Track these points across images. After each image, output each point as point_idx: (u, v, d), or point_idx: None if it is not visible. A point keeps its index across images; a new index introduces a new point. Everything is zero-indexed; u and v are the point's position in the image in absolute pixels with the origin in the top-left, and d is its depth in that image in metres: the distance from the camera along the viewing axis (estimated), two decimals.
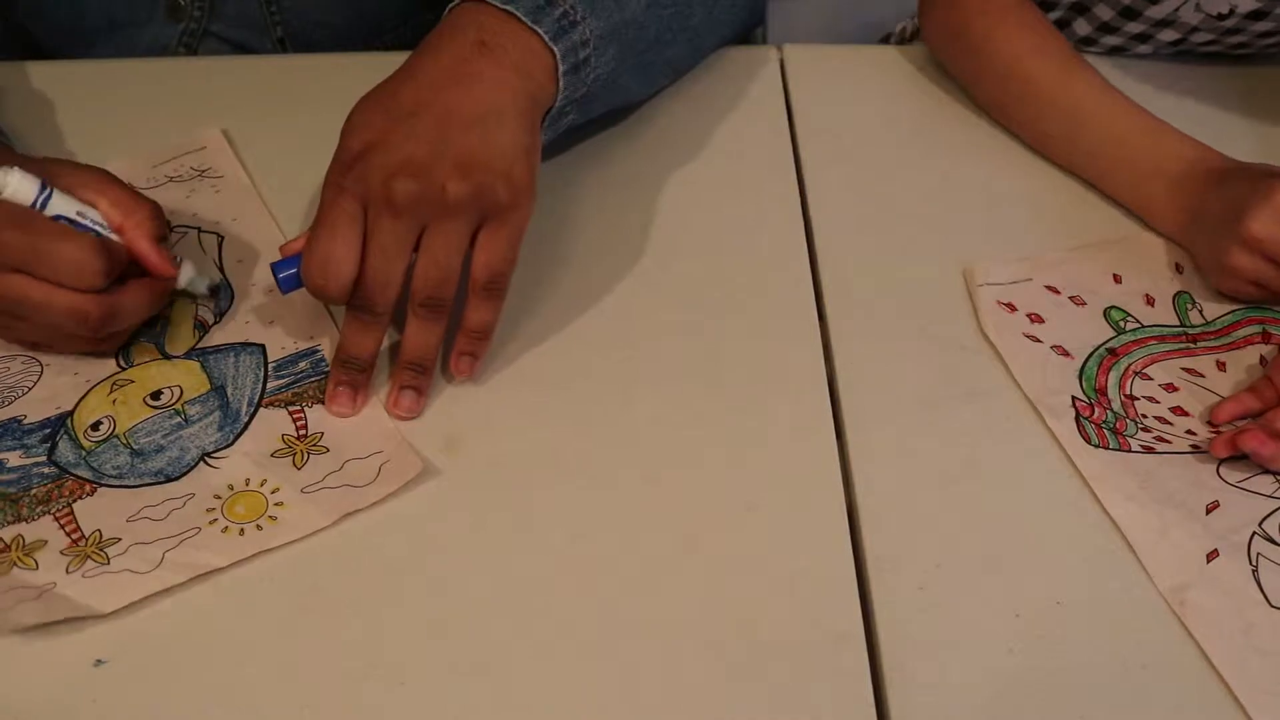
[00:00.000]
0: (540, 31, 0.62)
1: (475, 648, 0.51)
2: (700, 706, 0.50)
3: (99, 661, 0.50)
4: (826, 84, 0.83)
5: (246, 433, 0.59)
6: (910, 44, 1.03)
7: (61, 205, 0.58)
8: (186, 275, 0.62)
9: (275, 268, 0.59)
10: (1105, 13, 0.79)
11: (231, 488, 0.56)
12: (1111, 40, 0.81)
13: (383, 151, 0.56)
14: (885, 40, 1.05)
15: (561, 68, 0.63)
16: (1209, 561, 0.55)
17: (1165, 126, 0.71)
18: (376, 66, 0.62)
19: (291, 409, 0.60)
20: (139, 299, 0.60)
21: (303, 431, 0.59)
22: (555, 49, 0.62)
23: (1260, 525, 0.57)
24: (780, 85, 0.82)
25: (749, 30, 0.88)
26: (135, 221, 0.59)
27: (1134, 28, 0.79)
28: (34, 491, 0.56)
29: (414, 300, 0.58)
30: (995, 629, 0.52)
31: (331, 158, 0.58)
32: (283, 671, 0.50)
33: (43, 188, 0.57)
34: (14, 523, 0.54)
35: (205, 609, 0.52)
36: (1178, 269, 0.70)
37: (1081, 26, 0.81)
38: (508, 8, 0.62)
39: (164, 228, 0.61)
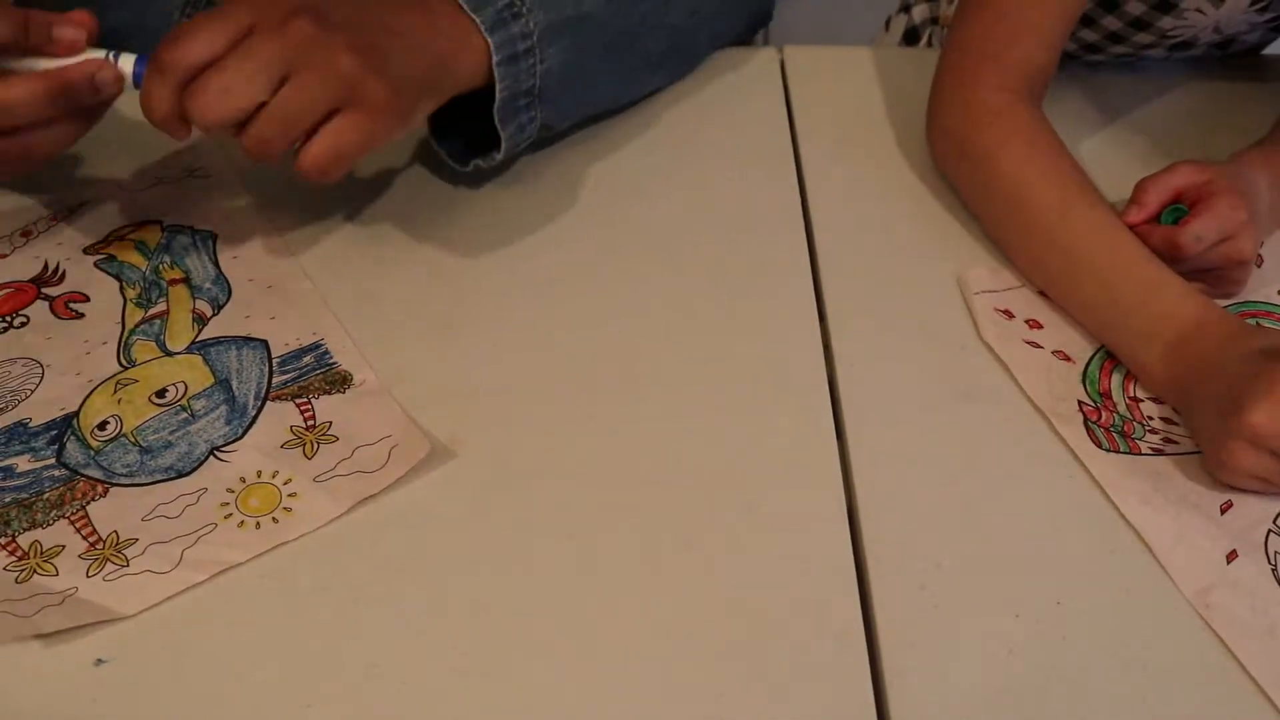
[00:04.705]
0: (477, 20, 0.64)
1: (474, 647, 0.51)
2: (700, 705, 0.50)
3: (99, 661, 0.50)
4: (826, 84, 0.83)
5: (255, 426, 0.59)
6: (905, 44, 1.03)
7: None
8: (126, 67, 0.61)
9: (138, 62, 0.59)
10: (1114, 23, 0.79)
11: (244, 480, 0.56)
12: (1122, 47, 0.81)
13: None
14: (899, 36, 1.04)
15: (496, 57, 0.64)
16: (1229, 563, 0.55)
17: (1165, 278, 0.63)
18: None
19: (298, 401, 0.60)
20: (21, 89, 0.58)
21: (311, 422, 0.59)
22: (490, 39, 0.64)
23: (1275, 521, 0.57)
24: (780, 85, 0.83)
25: (756, 29, 0.88)
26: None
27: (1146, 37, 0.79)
28: (46, 495, 0.56)
29: (248, 133, 0.57)
30: (995, 629, 0.53)
31: None
32: (283, 671, 0.50)
33: None
34: (30, 529, 0.54)
35: (206, 608, 0.52)
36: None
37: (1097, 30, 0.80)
38: None
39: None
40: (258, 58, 0.56)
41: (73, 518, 0.55)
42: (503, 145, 0.68)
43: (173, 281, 0.66)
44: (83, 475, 0.56)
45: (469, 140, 0.71)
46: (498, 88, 0.65)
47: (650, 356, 0.64)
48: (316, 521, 0.55)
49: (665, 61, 0.80)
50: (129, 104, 0.78)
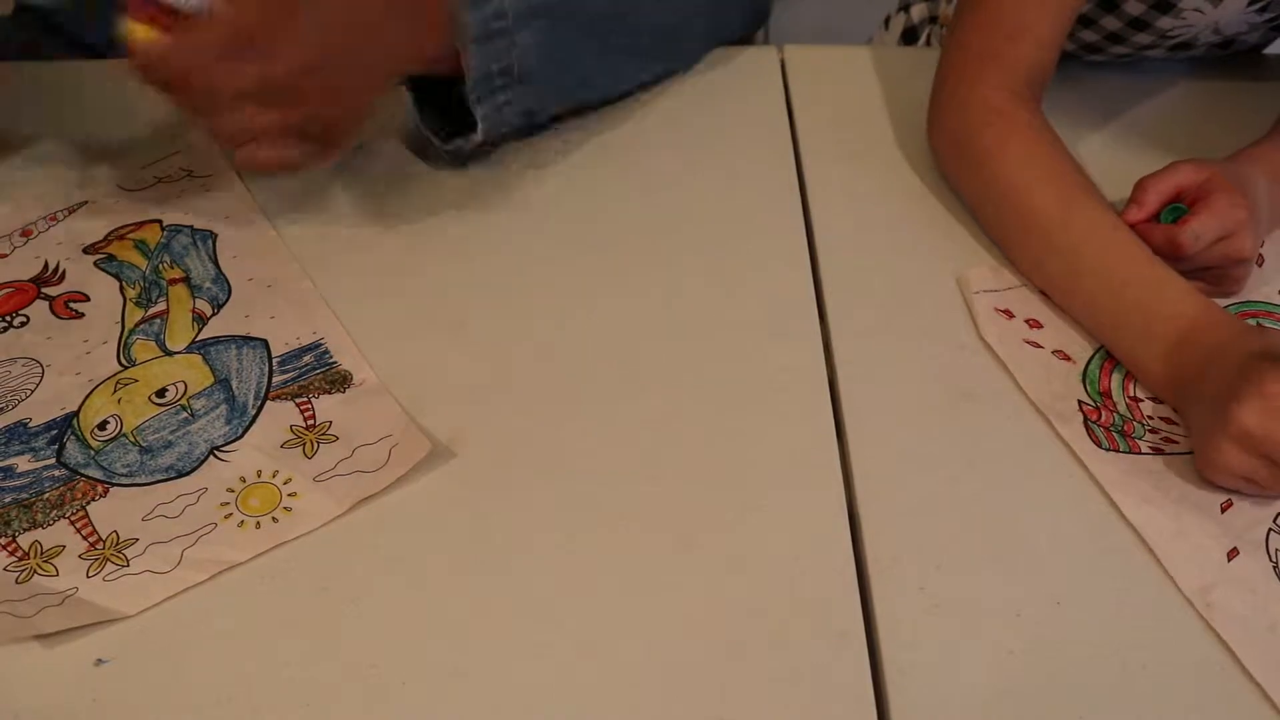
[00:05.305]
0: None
1: (474, 647, 0.51)
2: (700, 705, 0.50)
3: (99, 661, 0.50)
4: (826, 84, 0.83)
5: (255, 426, 0.59)
6: (904, 44, 1.03)
7: None
8: None
9: None
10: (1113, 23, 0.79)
11: (244, 480, 0.56)
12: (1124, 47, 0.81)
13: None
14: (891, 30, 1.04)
15: (467, 35, 0.65)
16: (1230, 561, 0.55)
17: (1166, 277, 0.63)
18: None
19: (298, 400, 0.60)
20: None
21: (311, 422, 0.59)
22: (461, 17, 0.65)
23: (1276, 521, 0.57)
24: (780, 85, 0.83)
25: (755, 26, 0.88)
26: None
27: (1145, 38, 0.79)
28: (47, 495, 0.56)
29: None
30: (995, 629, 0.53)
31: None
32: (283, 670, 0.50)
33: None
34: (30, 529, 0.54)
35: (205, 608, 0.52)
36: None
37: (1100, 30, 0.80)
38: None
39: None
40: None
41: (73, 518, 0.55)
42: (479, 125, 0.68)
43: (172, 281, 0.66)
44: (83, 475, 0.56)
45: (454, 125, 0.71)
46: (467, 66, 0.66)
47: (650, 356, 0.64)
48: (316, 521, 0.55)
49: (655, 51, 0.79)
50: (119, 104, 0.78)
